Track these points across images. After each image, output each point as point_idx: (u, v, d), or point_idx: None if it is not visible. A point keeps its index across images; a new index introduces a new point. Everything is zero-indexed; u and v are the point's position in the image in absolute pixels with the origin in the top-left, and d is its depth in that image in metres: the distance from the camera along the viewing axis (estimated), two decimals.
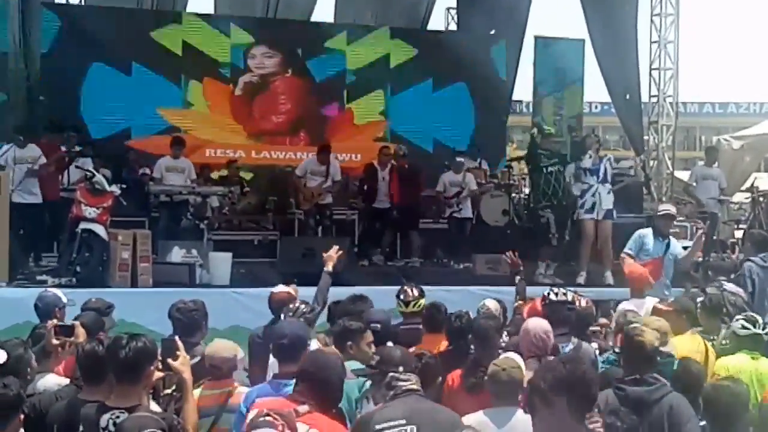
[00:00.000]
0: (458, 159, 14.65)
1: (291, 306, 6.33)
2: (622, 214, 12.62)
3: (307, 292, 7.47)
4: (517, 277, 8.53)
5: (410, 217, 14.21)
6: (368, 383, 4.95)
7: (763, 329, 6.24)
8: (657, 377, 5.08)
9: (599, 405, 4.82)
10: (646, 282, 8.49)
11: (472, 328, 6.32)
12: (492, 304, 7.72)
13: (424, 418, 4.40)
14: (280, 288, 7.49)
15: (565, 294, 6.95)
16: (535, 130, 13.11)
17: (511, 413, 5.00)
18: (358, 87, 18.09)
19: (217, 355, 5.38)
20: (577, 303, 7.07)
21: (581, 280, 11.86)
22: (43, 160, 12.34)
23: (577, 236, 12.46)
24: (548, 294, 7.00)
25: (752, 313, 6.55)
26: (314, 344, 6.18)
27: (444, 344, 6.58)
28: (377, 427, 4.34)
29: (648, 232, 10.02)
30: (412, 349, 5.67)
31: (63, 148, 12.96)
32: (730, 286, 8.75)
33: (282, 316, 6.35)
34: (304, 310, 6.24)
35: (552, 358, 5.51)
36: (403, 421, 4.35)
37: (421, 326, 7.09)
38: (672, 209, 10.38)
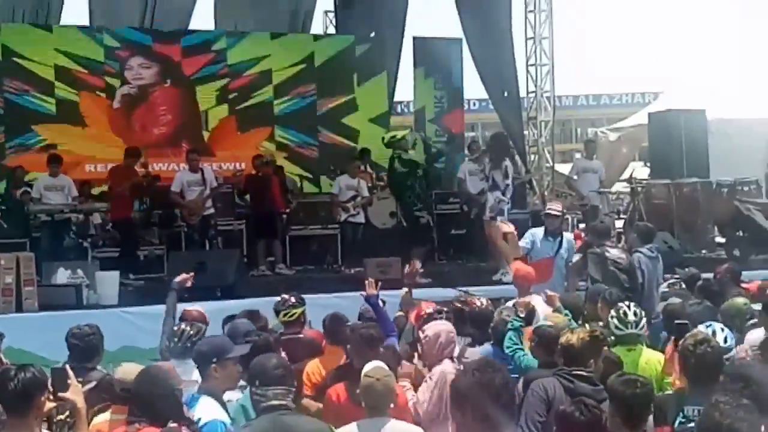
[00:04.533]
0: (355, 162, 14.72)
1: (176, 329, 6.24)
2: None
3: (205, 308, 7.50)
4: (405, 289, 8.27)
5: (276, 224, 14.06)
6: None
7: (636, 326, 6.35)
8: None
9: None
10: (530, 280, 8.54)
11: (351, 337, 6.13)
12: None
13: None
14: (193, 306, 7.45)
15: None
16: (385, 137, 13.29)
17: (384, 423, 4.93)
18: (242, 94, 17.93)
19: (128, 379, 5.26)
20: (477, 304, 7.27)
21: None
22: None
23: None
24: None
25: (624, 306, 6.50)
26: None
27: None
28: None
29: (538, 231, 10.11)
30: None
31: None
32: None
33: (166, 340, 6.31)
34: (191, 332, 6.12)
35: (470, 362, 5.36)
36: None
37: (301, 335, 7.19)
38: (555, 208, 10.24)
